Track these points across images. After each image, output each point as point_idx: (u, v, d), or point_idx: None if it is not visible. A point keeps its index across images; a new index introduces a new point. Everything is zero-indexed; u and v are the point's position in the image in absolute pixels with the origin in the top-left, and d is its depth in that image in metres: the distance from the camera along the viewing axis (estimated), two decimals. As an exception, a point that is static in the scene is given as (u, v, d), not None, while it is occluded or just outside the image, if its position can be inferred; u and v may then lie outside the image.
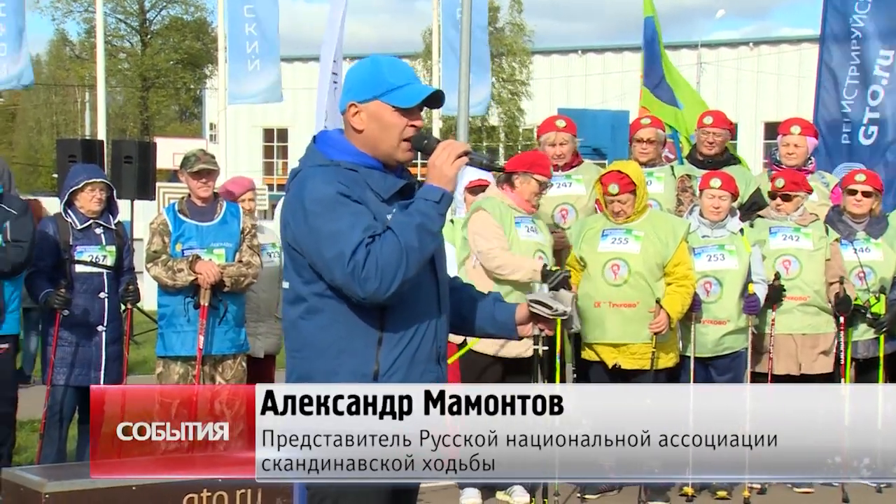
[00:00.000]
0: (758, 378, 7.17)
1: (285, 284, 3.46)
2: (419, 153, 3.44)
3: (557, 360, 6.85)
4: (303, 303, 3.37)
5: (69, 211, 6.64)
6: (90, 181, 6.59)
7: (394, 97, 3.36)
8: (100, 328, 6.61)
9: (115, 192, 6.86)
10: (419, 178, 3.48)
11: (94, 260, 6.60)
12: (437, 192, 3.32)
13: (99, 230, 6.67)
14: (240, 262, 6.64)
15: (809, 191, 7.43)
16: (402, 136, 3.38)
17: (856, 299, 7.16)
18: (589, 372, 6.84)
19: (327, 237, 3.24)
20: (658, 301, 6.66)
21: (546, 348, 3.77)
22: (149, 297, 7.57)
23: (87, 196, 6.60)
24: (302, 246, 3.32)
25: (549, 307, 3.52)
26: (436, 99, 3.42)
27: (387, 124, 3.37)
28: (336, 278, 3.25)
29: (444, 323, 3.49)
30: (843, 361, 7.15)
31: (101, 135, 16.72)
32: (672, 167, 7.72)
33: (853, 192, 7.39)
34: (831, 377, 7.40)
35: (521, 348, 6.28)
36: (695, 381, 6.87)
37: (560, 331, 6.54)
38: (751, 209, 7.47)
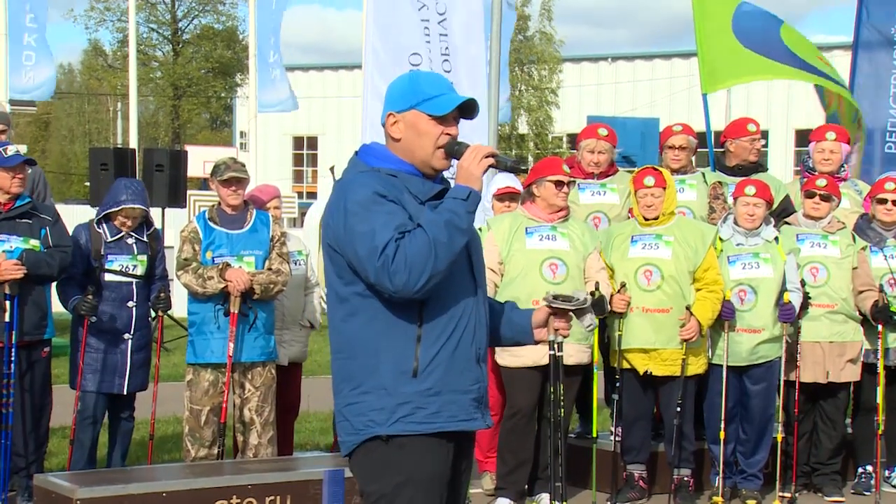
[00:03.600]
0: (787, 387, 7.13)
1: (326, 288, 3.55)
2: (454, 160, 3.55)
3: (595, 371, 6.85)
4: (344, 304, 3.47)
5: (102, 222, 6.67)
6: (128, 207, 6.61)
7: (429, 106, 3.50)
8: (126, 336, 6.65)
9: (149, 212, 6.85)
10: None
11: (123, 269, 6.63)
12: (464, 190, 3.44)
13: (131, 240, 6.70)
14: (269, 269, 6.66)
15: (840, 198, 7.39)
16: (437, 144, 3.51)
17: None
18: (621, 381, 6.83)
19: (362, 235, 3.36)
20: (688, 308, 6.64)
21: (561, 353, 3.78)
22: (179, 305, 7.63)
23: (121, 219, 6.64)
24: (340, 245, 3.43)
25: (570, 299, 3.60)
26: (469, 109, 3.54)
27: (422, 132, 3.51)
28: (369, 274, 3.35)
29: (483, 325, 3.56)
30: (878, 370, 7.10)
31: (133, 143, 16.85)
32: (703, 174, 7.69)
33: (883, 201, 7.33)
34: (859, 385, 7.36)
35: (536, 356, 6.28)
36: (727, 390, 6.83)
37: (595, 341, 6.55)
38: (780, 216, 7.43)
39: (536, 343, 3.78)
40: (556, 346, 3.74)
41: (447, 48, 8.04)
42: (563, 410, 4.17)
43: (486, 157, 3.49)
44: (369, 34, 8.04)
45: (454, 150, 3.52)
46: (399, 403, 3.40)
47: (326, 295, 3.58)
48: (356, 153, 3.65)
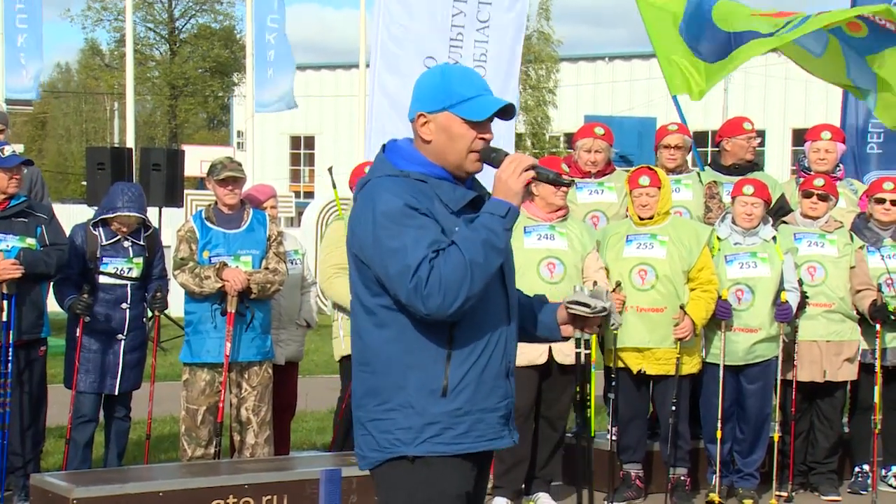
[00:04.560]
0: (784, 386, 7.14)
1: (351, 296, 3.40)
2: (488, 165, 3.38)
3: (594, 370, 6.85)
4: (370, 315, 3.32)
5: (98, 225, 6.67)
6: (123, 215, 6.60)
7: (463, 109, 3.32)
8: (119, 336, 6.65)
9: (147, 218, 6.82)
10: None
11: (118, 272, 6.64)
12: (503, 206, 3.25)
13: (127, 243, 6.69)
14: (266, 269, 6.66)
15: (837, 197, 7.39)
16: (471, 149, 3.33)
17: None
18: (616, 380, 6.84)
19: (392, 252, 3.20)
20: (682, 307, 6.65)
21: (588, 351, 3.66)
22: (176, 304, 7.62)
23: (117, 225, 6.63)
24: (368, 259, 3.28)
25: (588, 306, 3.45)
26: (506, 111, 3.34)
27: (456, 136, 3.33)
28: (400, 294, 3.20)
29: (513, 337, 3.44)
30: (875, 369, 7.12)
31: (130, 142, 16.80)
32: (699, 174, 7.70)
33: (881, 201, 7.34)
34: (856, 385, 7.37)
35: (532, 355, 6.27)
36: (724, 390, 6.84)
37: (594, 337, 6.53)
38: (776, 215, 7.43)
39: (565, 339, 3.67)
40: (583, 343, 3.59)
41: (483, 54, 8.05)
42: (589, 410, 3.95)
43: (527, 170, 3.28)
44: (382, 34, 8.01)
45: (490, 157, 3.34)
46: (427, 423, 3.27)
47: (350, 302, 3.43)
48: (383, 149, 3.46)
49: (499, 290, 3.36)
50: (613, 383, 6.85)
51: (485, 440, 3.34)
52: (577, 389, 3.85)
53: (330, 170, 7.56)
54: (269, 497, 5.93)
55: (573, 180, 7.25)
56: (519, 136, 40.10)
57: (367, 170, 7.56)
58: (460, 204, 3.31)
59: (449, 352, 3.27)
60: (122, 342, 6.67)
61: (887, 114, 8.37)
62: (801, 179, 7.60)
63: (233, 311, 6.54)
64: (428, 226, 3.22)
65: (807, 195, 7.25)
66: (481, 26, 8.00)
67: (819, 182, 7.21)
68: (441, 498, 3.32)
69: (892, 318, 7.08)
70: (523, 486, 6.85)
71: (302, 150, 47.92)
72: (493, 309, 3.34)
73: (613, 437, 6.98)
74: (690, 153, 7.85)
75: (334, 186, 7.56)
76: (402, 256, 3.18)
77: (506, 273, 3.39)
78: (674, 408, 6.74)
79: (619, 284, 6.65)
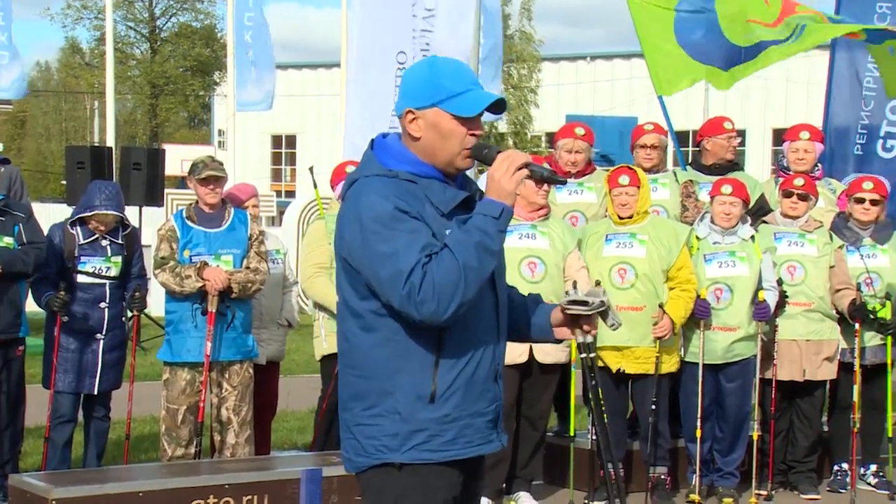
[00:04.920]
0: (763, 384, 7.17)
1: (338, 298, 3.34)
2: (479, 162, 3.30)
3: (573, 369, 6.87)
4: (358, 318, 3.25)
5: (76, 224, 6.64)
6: (100, 213, 6.58)
7: (453, 105, 3.21)
8: (98, 336, 6.64)
9: (125, 217, 6.81)
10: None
11: (96, 271, 6.61)
12: (496, 207, 3.15)
13: (105, 242, 6.67)
14: (247, 268, 6.64)
15: (817, 197, 7.43)
16: (463, 146, 3.23)
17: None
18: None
19: (383, 257, 3.10)
20: (661, 306, 6.67)
21: (593, 355, 3.55)
22: (156, 304, 7.59)
23: (94, 223, 6.61)
24: (357, 263, 3.19)
25: (586, 303, 3.36)
26: (497, 106, 3.24)
27: (446, 133, 3.22)
28: (392, 300, 3.12)
29: (503, 337, 3.37)
30: (854, 368, 7.15)
31: (111, 141, 16.75)
32: (675, 173, 7.74)
33: (861, 201, 7.37)
34: (835, 384, 7.41)
35: (513, 354, 6.27)
36: (704, 388, 6.86)
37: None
38: (756, 215, 7.47)
39: (559, 342, 3.62)
40: (586, 347, 3.44)
41: (427, 44, 8.00)
42: (597, 409, 3.72)
43: (520, 168, 3.17)
44: (355, 32, 8.00)
45: (482, 154, 3.23)
46: (414, 430, 3.20)
47: (337, 304, 3.36)
48: (371, 146, 3.34)
49: (488, 291, 3.27)
50: (593, 382, 6.84)
51: (473, 446, 3.28)
52: (590, 396, 3.64)
53: (311, 169, 7.55)
54: (249, 497, 5.91)
55: (569, 176, 7.25)
56: (501, 136, 40.17)
57: (348, 169, 7.54)
58: (451, 206, 3.22)
59: (437, 357, 3.19)
60: (101, 341, 6.65)
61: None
62: (781, 179, 7.63)
63: (213, 310, 6.52)
64: (419, 229, 3.13)
65: (787, 195, 7.28)
66: (427, 15, 7.99)
67: (799, 182, 7.24)
68: None
69: (871, 317, 7.11)
70: (504, 485, 6.86)
71: (283, 149, 47.83)
72: (482, 312, 3.26)
73: (594, 437, 6.99)
74: (673, 152, 7.89)
75: (315, 186, 7.55)
76: (394, 262, 3.09)
77: (495, 274, 3.29)
78: (654, 406, 6.76)
79: (598, 283, 6.65)
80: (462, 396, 3.23)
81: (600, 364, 6.82)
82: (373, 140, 3.37)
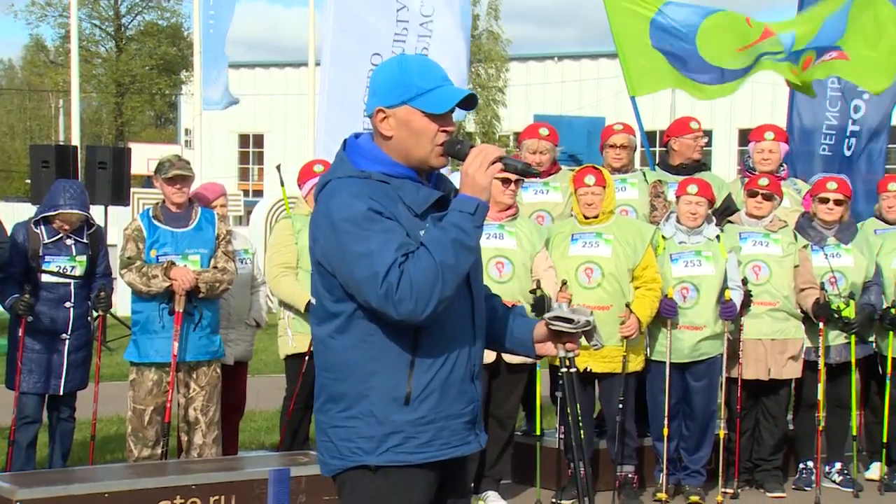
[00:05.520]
0: (730, 383, 7.22)
1: (313, 300, 3.31)
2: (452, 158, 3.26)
3: (538, 368, 6.88)
4: (332, 320, 3.22)
5: (40, 223, 6.59)
6: (65, 212, 6.53)
7: (424, 102, 3.17)
8: (63, 336, 6.60)
9: (90, 216, 6.76)
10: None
11: (61, 271, 6.56)
12: (471, 202, 3.13)
13: (70, 241, 6.63)
14: (215, 268, 6.61)
15: (782, 197, 7.49)
16: (435, 143, 3.19)
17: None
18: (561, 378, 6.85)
19: (358, 258, 3.07)
20: (628, 305, 6.70)
21: (574, 369, 3.52)
22: (123, 303, 7.54)
23: (59, 222, 6.57)
24: (332, 265, 3.16)
25: (571, 321, 3.32)
26: (468, 102, 3.22)
27: (417, 131, 3.18)
28: (370, 300, 3.08)
29: (480, 337, 3.33)
30: (819, 367, 7.21)
31: (76, 140, 16.59)
32: (644, 173, 7.78)
33: (825, 201, 7.44)
34: (800, 382, 7.47)
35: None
36: (671, 387, 6.90)
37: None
38: (722, 215, 7.52)
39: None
40: (567, 362, 3.41)
41: (425, 48, 8.02)
42: (588, 427, 3.72)
43: (494, 162, 3.14)
44: (329, 32, 7.98)
45: (455, 150, 3.20)
46: (389, 433, 3.17)
47: (313, 307, 3.33)
48: (344, 146, 3.30)
49: (463, 291, 3.23)
50: (560, 381, 6.87)
51: (450, 447, 3.24)
52: (568, 412, 3.59)
53: (278, 168, 7.53)
54: (216, 497, 5.89)
55: (539, 173, 7.27)
56: (469, 135, 40.18)
57: (316, 168, 7.51)
58: (424, 206, 3.19)
59: (412, 359, 3.16)
60: (67, 342, 6.60)
61: (870, 78, 8.57)
62: (746, 179, 7.69)
63: (181, 310, 6.49)
64: (393, 229, 3.10)
65: (751, 195, 7.33)
66: (424, 20, 8.00)
67: (763, 182, 7.30)
68: None
69: (836, 316, 7.17)
70: (472, 484, 6.87)
71: (251, 148, 47.63)
72: (458, 313, 3.22)
73: (561, 436, 7.01)
74: (642, 152, 7.93)
75: (282, 185, 7.53)
76: (370, 262, 3.05)
77: (471, 275, 3.26)
78: (621, 405, 6.79)
79: (564, 283, 6.68)
80: (438, 398, 3.20)
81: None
82: (345, 141, 3.35)
